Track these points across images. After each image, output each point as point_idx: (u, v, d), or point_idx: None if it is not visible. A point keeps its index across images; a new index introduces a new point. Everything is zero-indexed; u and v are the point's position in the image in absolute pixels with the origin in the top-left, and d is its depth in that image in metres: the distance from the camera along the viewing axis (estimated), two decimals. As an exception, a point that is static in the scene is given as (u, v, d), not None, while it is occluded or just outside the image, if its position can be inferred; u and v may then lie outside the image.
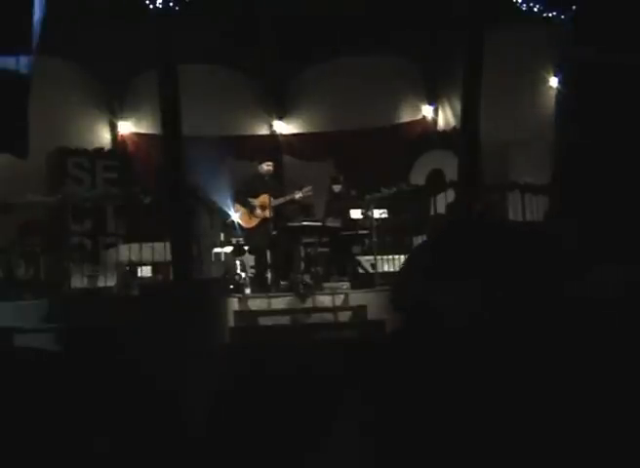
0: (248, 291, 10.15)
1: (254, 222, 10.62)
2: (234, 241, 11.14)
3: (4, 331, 7.41)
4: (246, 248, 10.82)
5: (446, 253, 1.65)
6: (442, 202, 10.46)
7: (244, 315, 9.38)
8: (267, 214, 10.53)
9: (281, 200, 10.55)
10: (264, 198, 10.56)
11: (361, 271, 10.29)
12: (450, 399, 1.41)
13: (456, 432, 1.41)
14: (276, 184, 10.86)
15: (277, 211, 10.60)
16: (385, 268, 9.85)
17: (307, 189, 10.57)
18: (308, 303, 9.61)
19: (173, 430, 1.68)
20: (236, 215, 10.77)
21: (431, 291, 1.59)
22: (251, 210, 10.60)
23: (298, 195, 10.56)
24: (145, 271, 9.93)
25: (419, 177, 12.44)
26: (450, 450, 1.39)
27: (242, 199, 10.71)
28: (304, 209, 11.42)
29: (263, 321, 9.41)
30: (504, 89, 11.38)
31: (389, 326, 7.85)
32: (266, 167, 10.84)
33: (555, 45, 10.85)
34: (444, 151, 12.34)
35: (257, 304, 9.60)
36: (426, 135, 13.83)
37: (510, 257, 1.64)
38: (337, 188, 11.35)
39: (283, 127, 14.26)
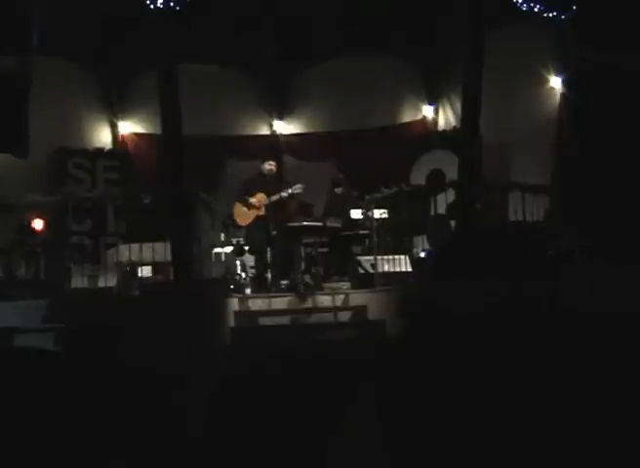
0: (248, 291, 10.14)
1: (249, 220, 10.61)
2: (234, 241, 11.15)
3: (4, 331, 7.41)
4: (246, 247, 10.82)
5: (452, 259, 1.66)
6: (442, 202, 10.45)
7: (244, 315, 9.38)
8: (261, 211, 10.52)
9: (273, 198, 10.53)
10: (260, 196, 10.55)
11: (361, 271, 10.28)
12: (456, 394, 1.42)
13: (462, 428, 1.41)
14: (276, 184, 10.85)
15: (272, 208, 10.55)
16: (385, 268, 9.84)
17: (297, 187, 10.54)
18: (308, 303, 9.60)
19: (173, 429, 1.68)
20: (234, 213, 10.78)
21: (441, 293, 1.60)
22: (246, 207, 10.60)
23: (287, 192, 10.53)
24: (145, 271, 9.91)
25: (419, 177, 12.44)
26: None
27: (240, 197, 10.72)
28: (304, 209, 11.42)
29: (263, 321, 9.40)
30: (505, 89, 11.38)
31: (390, 326, 7.84)
32: (269, 166, 10.83)
33: (555, 45, 10.87)
34: (444, 151, 12.34)
35: (257, 304, 9.60)
36: (426, 135, 13.83)
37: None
38: (338, 191, 11.37)
39: (283, 127, 14.26)
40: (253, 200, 10.56)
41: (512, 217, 9.75)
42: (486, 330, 1.49)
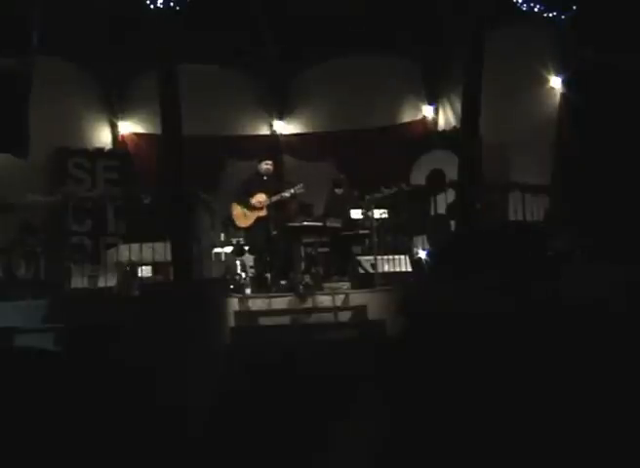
0: (248, 291, 10.14)
1: (249, 221, 10.60)
2: (234, 241, 11.15)
3: (4, 330, 7.41)
4: (246, 248, 10.82)
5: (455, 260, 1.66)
6: (442, 202, 10.45)
7: (244, 315, 9.38)
8: (263, 212, 10.52)
9: (274, 198, 10.52)
10: (260, 197, 10.55)
11: (361, 271, 10.29)
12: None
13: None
14: (274, 184, 10.84)
15: (274, 209, 10.56)
16: (385, 268, 9.85)
17: (299, 187, 10.54)
18: (308, 303, 9.60)
19: (173, 430, 1.68)
20: (233, 215, 10.78)
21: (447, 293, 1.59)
22: (246, 208, 10.59)
23: (290, 193, 10.54)
24: (145, 271, 9.92)
25: (419, 177, 12.43)
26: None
27: (239, 198, 10.70)
28: (304, 209, 11.42)
29: (263, 321, 9.40)
30: (505, 89, 11.38)
31: (390, 326, 7.84)
32: (265, 166, 10.82)
33: (555, 45, 10.87)
34: (444, 151, 12.34)
35: (257, 304, 9.60)
36: (426, 135, 13.83)
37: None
38: (339, 191, 11.37)
39: (283, 127, 14.26)
40: (253, 201, 10.55)
41: (512, 217, 9.75)
42: (485, 330, 1.49)
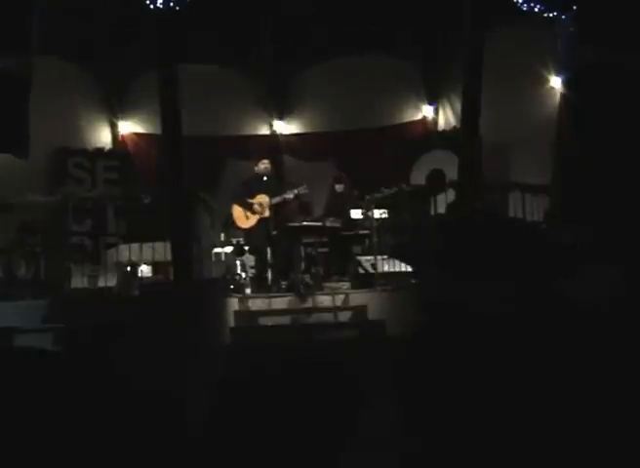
0: (248, 291, 10.15)
1: (251, 222, 10.62)
2: (234, 241, 11.15)
3: (4, 330, 7.42)
4: (246, 248, 10.83)
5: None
6: (442, 202, 10.45)
7: (244, 315, 9.38)
8: (265, 213, 10.53)
9: (277, 199, 10.54)
10: (262, 198, 10.57)
11: (361, 271, 10.29)
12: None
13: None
14: (274, 184, 10.86)
15: (275, 210, 10.58)
16: (385, 268, 9.85)
17: (302, 188, 10.56)
18: (308, 303, 9.60)
19: (173, 429, 1.68)
20: (234, 216, 10.79)
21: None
22: (248, 210, 10.61)
23: (293, 194, 10.55)
24: (145, 271, 9.92)
25: (419, 177, 12.43)
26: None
27: (240, 199, 10.72)
28: (303, 208, 11.42)
29: (263, 321, 9.40)
30: (505, 89, 11.39)
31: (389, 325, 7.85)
32: (263, 165, 10.85)
33: (555, 45, 10.88)
34: (444, 151, 12.34)
35: (257, 304, 9.60)
36: (426, 135, 13.83)
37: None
38: (339, 188, 11.36)
39: (283, 127, 14.26)
40: (255, 202, 10.57)
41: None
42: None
